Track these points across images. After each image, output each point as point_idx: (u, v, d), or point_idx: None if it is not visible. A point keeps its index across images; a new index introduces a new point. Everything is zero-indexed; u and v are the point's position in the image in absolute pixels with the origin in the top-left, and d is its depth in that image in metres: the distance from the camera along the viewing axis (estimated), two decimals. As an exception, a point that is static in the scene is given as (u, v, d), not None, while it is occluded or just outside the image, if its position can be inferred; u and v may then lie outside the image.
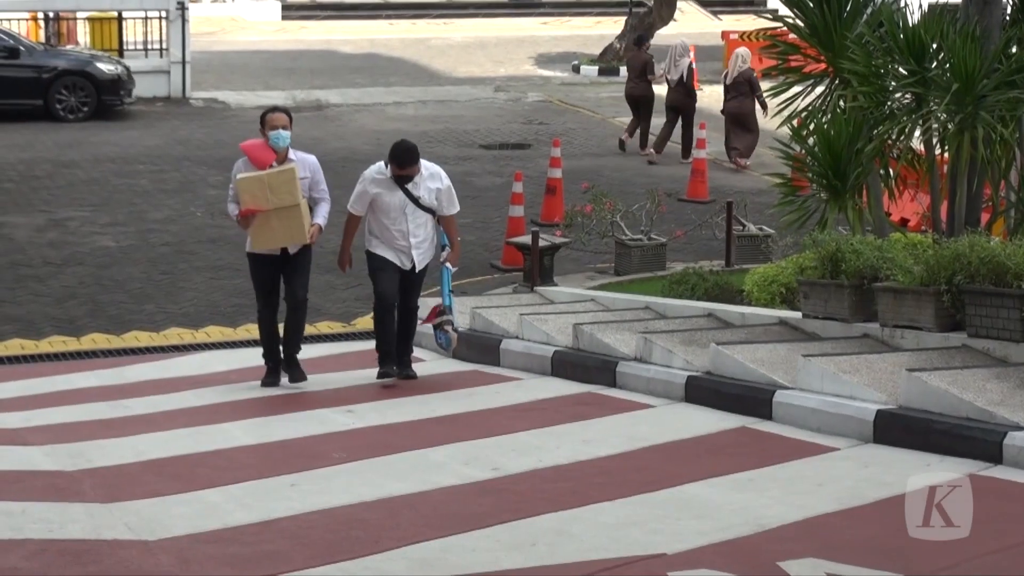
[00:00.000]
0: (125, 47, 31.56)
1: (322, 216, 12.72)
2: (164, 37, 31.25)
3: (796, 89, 13.98)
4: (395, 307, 12.95)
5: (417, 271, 12.91)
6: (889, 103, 13.39)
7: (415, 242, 12.75)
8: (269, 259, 12.67)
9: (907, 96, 13.40)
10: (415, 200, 12.69)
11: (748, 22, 37.45)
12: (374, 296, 13.05)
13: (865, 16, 14.05)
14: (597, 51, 37.85)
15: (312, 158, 13.04)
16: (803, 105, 13.96)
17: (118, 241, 19.23)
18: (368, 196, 12.73)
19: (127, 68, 29.39)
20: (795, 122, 14.07)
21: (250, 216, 12.27)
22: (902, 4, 17.14)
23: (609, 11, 45.33)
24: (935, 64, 13.06)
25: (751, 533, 7.33)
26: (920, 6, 16.79)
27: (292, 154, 12.65)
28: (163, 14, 31.14)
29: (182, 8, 31.08)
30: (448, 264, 13.07)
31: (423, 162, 12.84)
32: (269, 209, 12.19)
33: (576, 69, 37.27)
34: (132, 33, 31.90)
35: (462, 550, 7.22)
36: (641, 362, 11.75)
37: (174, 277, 17.61)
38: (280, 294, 12.94)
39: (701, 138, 23.76)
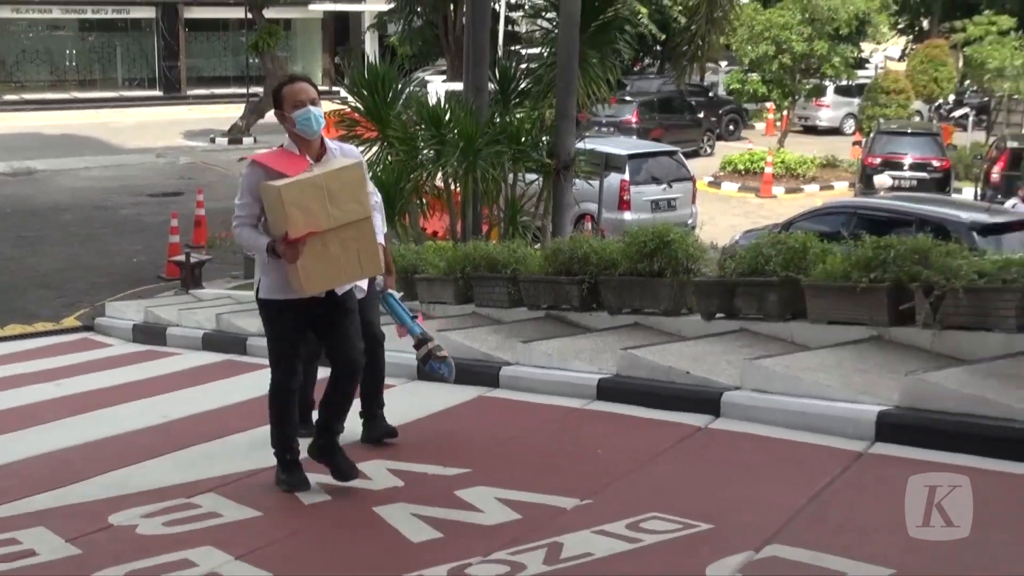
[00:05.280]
0: None
1: (381, 231, 6.74)
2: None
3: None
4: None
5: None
6: (420, 156, 13.68)
7: None
8: (306, 304, 6.07)
9: (431, 151, 13.71)
10: None
11: (327, 104, 37.27)
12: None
13: (402, 100, 14.31)
14: (226, 127, 37.00)
15: (356, 150, 6.70)
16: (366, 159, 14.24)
17: None
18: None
19: None
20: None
21: (300, 244, 5.73)
22: (427, 90, 17.39)
23: (234, 100, 44.46)
24: (448, 130, 13.41)
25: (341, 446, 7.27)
26: (437, 93, 17.03)
27: (333, 146, 6.17)
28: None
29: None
30: (391, 290, 7.40)
31: None
32: (329, 229, 5.80)
33: (212, 140, 36.43)
34: None
35: (142, 474, 6.97)
36: (264, 337, 11.63)
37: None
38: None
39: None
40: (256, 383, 9.89)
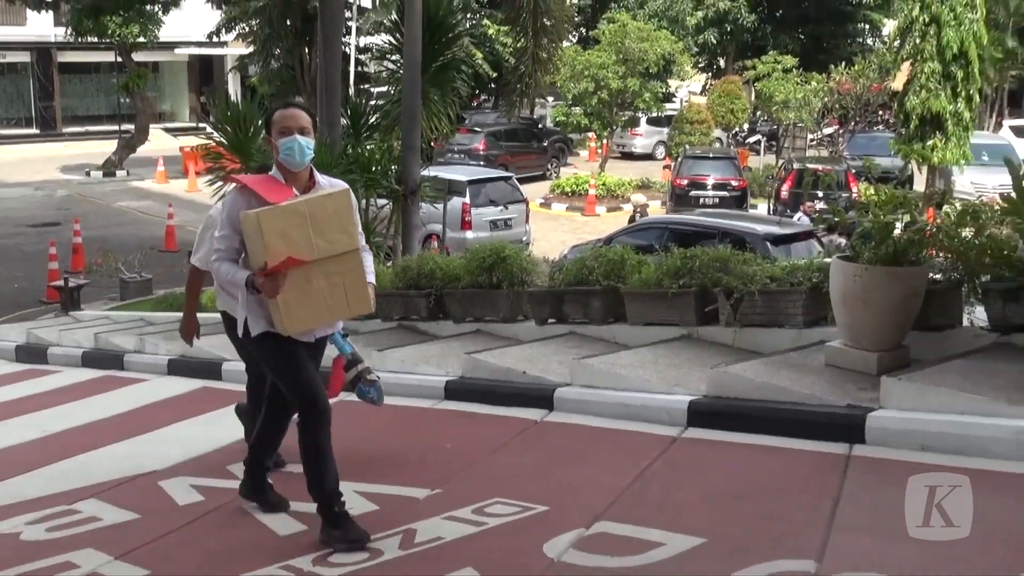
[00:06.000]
0: None
1: (372, 271, 5.07)
2: None
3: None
4: None
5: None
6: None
7: None
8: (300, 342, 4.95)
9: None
10: None
11: (194, 139, 36.43)
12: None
13: (263, 134, 14.04)
14: (100, 162, 35.60)
15: (344, 183, 5.17)
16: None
17: None
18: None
19: None
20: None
21: (280, 275, 4.57)
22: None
23: (107, 136, 42.97)
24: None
25: (212, 450, 7.12)
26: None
27: (323, 180, 4.99)
28: None
29: None
30: None
31: None
32: (312, 261, 4.64)
33: (88, 174, 34.98)
34: None
35: (25, 484, 6.67)
36: (139, 353, 11.31)
37: None
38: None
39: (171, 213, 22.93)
40: (132, 396, 9.64)
